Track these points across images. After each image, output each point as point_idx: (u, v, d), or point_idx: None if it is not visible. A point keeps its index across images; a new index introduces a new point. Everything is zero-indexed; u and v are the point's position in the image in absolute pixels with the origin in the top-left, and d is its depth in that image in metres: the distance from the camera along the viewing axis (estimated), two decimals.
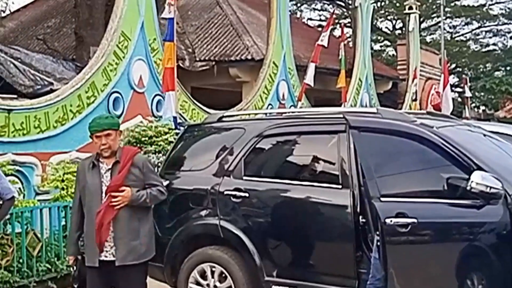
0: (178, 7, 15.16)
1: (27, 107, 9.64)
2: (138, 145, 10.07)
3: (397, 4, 32.46)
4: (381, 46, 37.27)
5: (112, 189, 4.59)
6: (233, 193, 5.68)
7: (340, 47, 16.81)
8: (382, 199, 4.81)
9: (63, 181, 8.52)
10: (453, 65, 34.82)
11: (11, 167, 8.08)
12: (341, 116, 5.31)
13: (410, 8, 22.19)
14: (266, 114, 7.62)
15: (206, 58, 16.62)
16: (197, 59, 16.64)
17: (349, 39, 23.61)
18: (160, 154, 9.85)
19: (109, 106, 10.96)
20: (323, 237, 5.34)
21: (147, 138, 10.03)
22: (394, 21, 36.59)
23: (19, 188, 8.50)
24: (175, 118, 10.38)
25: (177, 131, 10.01)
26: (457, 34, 37.72)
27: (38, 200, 8.48)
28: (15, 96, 10.43)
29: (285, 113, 6.68)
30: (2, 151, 8.79)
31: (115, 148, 4.70)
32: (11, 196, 5.39)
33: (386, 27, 37.58)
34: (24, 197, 8.48)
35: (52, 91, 10.76)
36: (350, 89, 18.62)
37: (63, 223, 7.75)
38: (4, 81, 11.42)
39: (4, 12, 19.02)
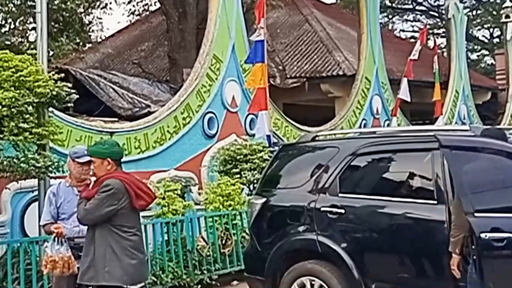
0: (267, 25, 15.76)
1: (128, 129, 10.48)
2: (234, 163, 10.67)
3: (494, 12, 31.81)
4: (478, 56, 36.55)
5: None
6: (330, 209, 6.08)
7: (433, 60, 16.86)
8: (476, 214, 5.04)
9: (163, 198, 9.19)
10: None
11: None
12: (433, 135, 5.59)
13: (507, 16, 21.76)
14: (359, 133, 7.96)
15: (297, 75, 17.12)
16: (288, 76, 17.16)
17: (444, 50, 23.47)
18: (255, 172, 10.39)
19: (204, 126, 11.66)
20: (420, 252, 5.63)
21: (242, 156, 10.61)
22: (491, 29, 35.84)
23: None
24: (268, 136, 10.89)
25: (271, 149, 10.53)
26: None
27: (142, 217, 9.19)
28: (116, 119, 11.29)
29: (377, 131, 7.01)
30: None
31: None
32: None
33: (483, 36, 36.89)
34: None
35: (149, 113, 11.59)
36: (447, 102, 18.60)
37: (165, 238, 8.38)
38: (105, 105, 12.37)
39: (99, 37, 20.27)
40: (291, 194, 6.49)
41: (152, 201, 4.99)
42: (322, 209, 6.11)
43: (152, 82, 14.78)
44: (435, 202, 5.57)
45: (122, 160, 9.58)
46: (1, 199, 8.57)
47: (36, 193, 8.00)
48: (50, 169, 7.45)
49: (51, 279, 5.53)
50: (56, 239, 5.23)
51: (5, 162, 6.98)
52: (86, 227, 5.53)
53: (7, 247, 7.02)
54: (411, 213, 5.69)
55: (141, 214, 9.27)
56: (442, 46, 28.92)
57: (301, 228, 6.25)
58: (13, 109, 7.06)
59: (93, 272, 4.67)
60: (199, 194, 10.97)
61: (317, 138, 6.87)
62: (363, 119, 15.98)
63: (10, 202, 8.59)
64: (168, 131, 11.08)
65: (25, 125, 7.18)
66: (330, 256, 6.00)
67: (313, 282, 6.06)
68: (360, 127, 15.75)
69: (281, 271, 6.31)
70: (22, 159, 7.23)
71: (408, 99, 15.49)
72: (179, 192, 9.45)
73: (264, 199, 6.65)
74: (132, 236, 4.70)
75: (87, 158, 5.59)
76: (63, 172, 7.57)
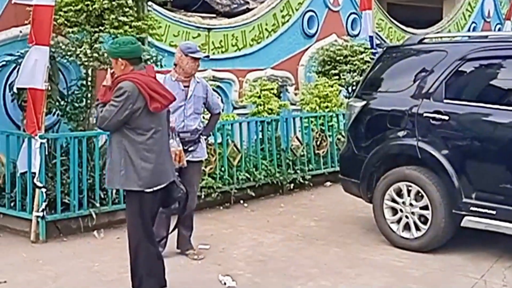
0: None
1: (225, 26, 10.49)
2: (333, 64, 10.55)
3: None
4: None
5: None
6: (433, 115, 5.97)
7: None
8: None
9: (259, 97, 9.28)
10: None
11: (212, 82, 8.93)
12: None
13: None
14: (468, 37, 7.64)
15: None
16: None
17: None
18: (355, 74, 10.26)
19: (303, 24, 11.50)
20: None
21: (341, 57, 10.47)
22: None
23: None
24: (371, 37, 10.65)
25: (373, 50, 10.31)
26: None
27: (237, 114, 9.40)
28: (214, 15, 11.31)
29: (489, 36, 6.69)
30: (202, 67, 9.72)
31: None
32: (218, 111, 6.19)
33: None
34: (223, 110, 9.39)
35: (248, 10, 11.50)
36: None
37: (260, 136, 8.54)
38: (203, 0, 12.35)
39: None
40: (393, 98, 6.41)
41: (170, 103, 4.69)
42: (425, 114, 6.02)
43: None
44: None
45: (219, 57, 9.75)
46: None
47: None
48: (148, 63, 7.61)
49: None
50: None
51: (105, 55, 7.18)
52: (191, 122, 5.74)
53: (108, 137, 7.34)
54: None
55: (234, 112, 9.72)
56: None
57: (401, 133, 6.19)
58: (113, 2, 7.18)
59: (111, 175, 4.65)
60: (295, 94, 10.99)
61: (424, 41, 6.67)
62: (473, 22, 15.26)
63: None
64: (266, 29, 11.01)
65: (125, 19, 7.30)
66: (429, 163, 5.95)
67: (410, 188, 6.06)
68: (468, 30, 15.11)
69: (377, 175, 6.35)
70: None
71: None
72: (275, 91, 9.50)
73: (363, 102, 6.61)
74: (148, 140, 4.55)
75: (201, 54, 5.76)
76: (161, 66, 7.75)
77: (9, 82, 7.44)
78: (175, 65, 5.77)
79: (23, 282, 5.27)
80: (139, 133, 4.52)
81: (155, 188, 4.58)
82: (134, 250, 4.65)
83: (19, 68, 6.73)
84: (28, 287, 5.19)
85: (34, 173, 6.37)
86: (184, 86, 5.75)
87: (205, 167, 7.42)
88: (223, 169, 7.93)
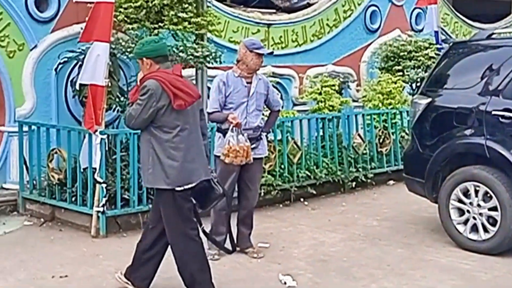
0: None
1: (285, 21, 10.46)
2: (396, 59, 10.38)
3: None
4: None
5: None
6: (502, 113, 5.78)
7: None
8: None
9: (320, 93, 9.21)
10: None
11: (272, 79, 8.90)
12: None
13: None
14: None
15: None
16: None
17: None
18: (419, 70, 10.07)
19: (365, 19, 11.38)
20: None
21: (405, 53, 10.29)
22: None
23: None
24: (436, 32, 10.44)
25: (438, 46, 10.10)
26: None
27: (298, 111, 9.35)
28: (274, 10, 11.28)
29: None
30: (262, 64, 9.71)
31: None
32: (278, 108, 6.18)
33: None
34: (282, 107, 9.35)
35: (308, 5, 11.43)
36: None
37: (320, 133, 8.47)
38: None
39: None
40: (459, 95, 6.25)
41: (194, 101, 4.64)
42: (494, 112, 5.84)
43: None
44: None
45: (279, 52, 9.70)
46: None
47: (193, 82, 8.29)
48: (207, 59, 7.65)
49: (216, 164, 5.78)
50: (234, 129, 5.46)
51: None
52: (253, 119, 5.73)
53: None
54: None
55: (294, 108, 9.67)
56: None
57: (468, 132, 6.03)
58: None
59: (141, 174, 4.73)
60: (357, 90, 10.87)
61: (492, 36, 6.48)
62: None
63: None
64: (327, 24, 10.93)
65: (184, 15, 7.36)
66: (498, 162, 5.76)
67: (477, 188, 5.88)
68: None
69: (443, 175, 6.19)
70: (181, 48, 7.47)
71: None
72: (336, 88, 9.42)
73: (429, 99, 6.46)
74: (174, 137, 4.55)
75: (266, 50, 5.76)
76: (220, 62, 7.77)
77: (70, 78, 7.59)
78: (238, 61, 5.75)
79: (84, 277, 5.35)
80: (165, 131, 4.55)
81: (185, 187, 4.60)
82: (176, 249, 4.68)
83: (80, 65, 6.86)
84: (88, 282, 5.26)
85: (95, 168, 6.46)
86: (247, 83, 5.74)
87: (265, 164, 7.38)
88: (283, 166, 7.88)
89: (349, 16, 11.19)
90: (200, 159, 4.73)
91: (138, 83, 4.68)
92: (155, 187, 4.69)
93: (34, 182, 7.26)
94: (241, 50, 5.73)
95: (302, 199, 8.05)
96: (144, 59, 4.63)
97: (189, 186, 4.62)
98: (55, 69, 7.65)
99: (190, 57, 7.46)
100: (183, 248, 4.67)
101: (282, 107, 8.99)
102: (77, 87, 6.90)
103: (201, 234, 4.82)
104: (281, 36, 10.32)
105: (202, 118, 4.91)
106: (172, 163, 4.54)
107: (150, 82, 4.51)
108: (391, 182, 9.07)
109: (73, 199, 6.83)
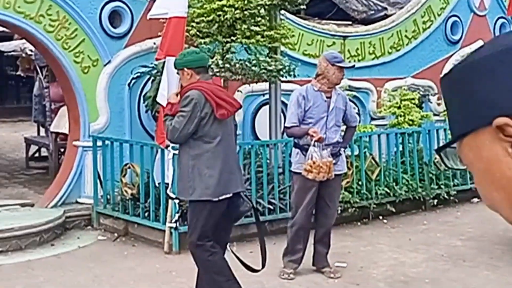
0: None
1: (362, 33, 10.26)
2: None
3: None
4: None
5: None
6: None
7: None
8: None
9: (399, 107, 8.96)
10: None
11: (349, 92, 8.73)
12: None
13: None
14: None
15: None
16: None
17: None
18: None
19: (446, 30, 11.04)
20: None
21: None
22: None
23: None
24: None
25: None
26: None
27: (376, 125, 9.12)
28: (349, 22, 11.11)
29: None
30: None
31: None
32: (355, 124, 6.06)
33: None
34: (360, 122, 9.15)
35: (386, 16, 11.21)
36: None
37: (400, 149, 8.21)
38: (337, 7, 12.21)
39: None
40: None
41: (236, 110, 4.73)
42: None
43: None
44: None
45: (357, 65, 9.53)
46: None
47: (266, 96, 8.21)
48: (281, 72, 7.55)
49: (293, 181, 5.69)
50: (316, 144, 5.35)
51: (237, 65, 7.19)
52: (332, 134, 5.59)
53: (239, 149, 7.33)
54: None
55: (372, 123, 9.44)
56: None
57: None
58: (245, 12, 7.19)
59: (181, 186, 4.67)
60: (438, 104, 10.52)
61: None
62: None
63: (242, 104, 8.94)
64: (406, 36, 10.66)
65: (257, 28, 7.30)
66: None
67: None
68: None
69: None
70: (254, 62, 7.40)
71: None
72: (416, 101, 9.15)
73: None
74: (215, 147, 4.54)
75: (348, 64, 5.64)
76: (294, 76, 7.65)
77: (143, 93, 7.64)
78: (318, 75, 5.62)
79: None
80: (206, 141, 4.56)
81: (221, 197, 4.56)
82: (200, 261, 4.63)
83: (153, 80, 6.88)
84: None
85: (168, 184, 6.44)
86: (327, 97, 5.61)
87: (342, 180, 7.21)
88: (360, 183, 7.68)
89: (429, 27, 10.89)
90: (237, 170, 4.76)
91: (172, 101, 4.70)
92: (193, 199, 4.63)
93: (108, 196, 7.33)
94: (322, 64, 5.60)
95: (381, 217, 7.81)
96: (185, 69, 4.65)
97: (225, 196, 4.59)
98: (128, 84, 7.74)
99: (263, 71, 7.38)
100: (207, 261, 4.64)
101: (359, 121, 8.81)
102: (155, 101, 6.92)
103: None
104: (357, 48, 10.13)
105: (235, 131, 4.96)
106: (212, 172, 4.54)
107: (193, 92, 4.53)
108: (475, 199, 8.69)
109: (146, 214, 6.84)
